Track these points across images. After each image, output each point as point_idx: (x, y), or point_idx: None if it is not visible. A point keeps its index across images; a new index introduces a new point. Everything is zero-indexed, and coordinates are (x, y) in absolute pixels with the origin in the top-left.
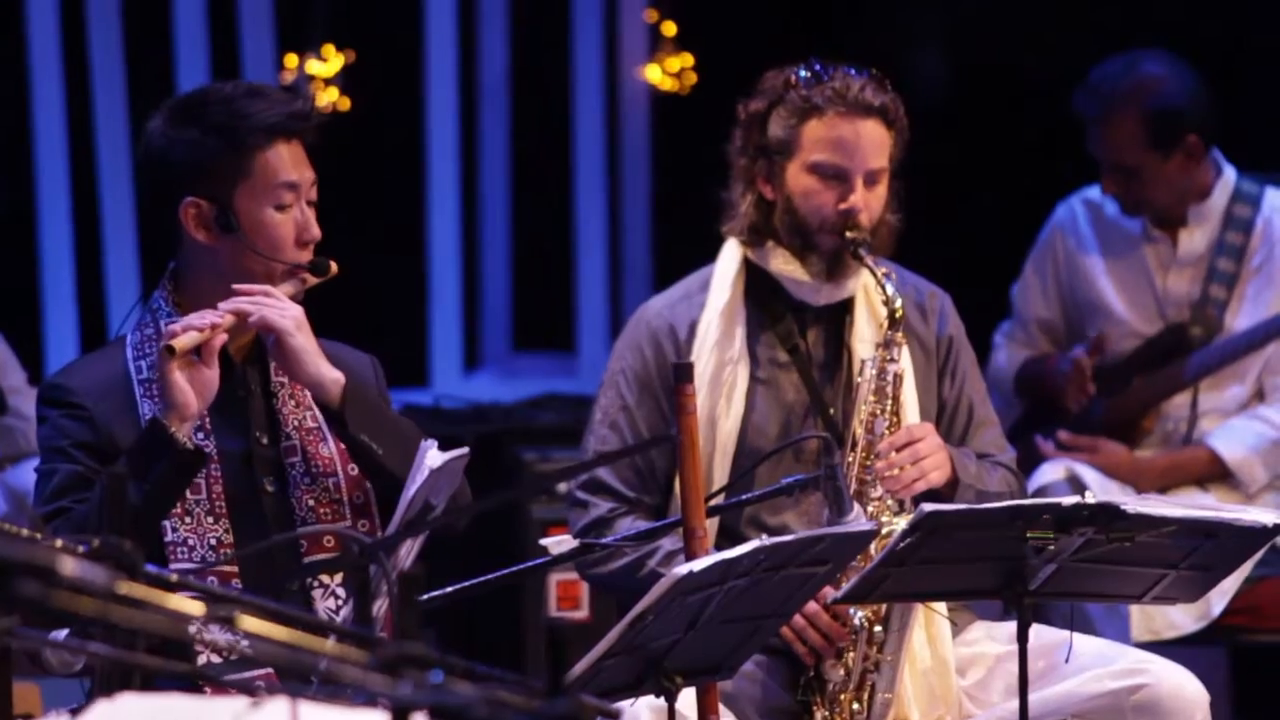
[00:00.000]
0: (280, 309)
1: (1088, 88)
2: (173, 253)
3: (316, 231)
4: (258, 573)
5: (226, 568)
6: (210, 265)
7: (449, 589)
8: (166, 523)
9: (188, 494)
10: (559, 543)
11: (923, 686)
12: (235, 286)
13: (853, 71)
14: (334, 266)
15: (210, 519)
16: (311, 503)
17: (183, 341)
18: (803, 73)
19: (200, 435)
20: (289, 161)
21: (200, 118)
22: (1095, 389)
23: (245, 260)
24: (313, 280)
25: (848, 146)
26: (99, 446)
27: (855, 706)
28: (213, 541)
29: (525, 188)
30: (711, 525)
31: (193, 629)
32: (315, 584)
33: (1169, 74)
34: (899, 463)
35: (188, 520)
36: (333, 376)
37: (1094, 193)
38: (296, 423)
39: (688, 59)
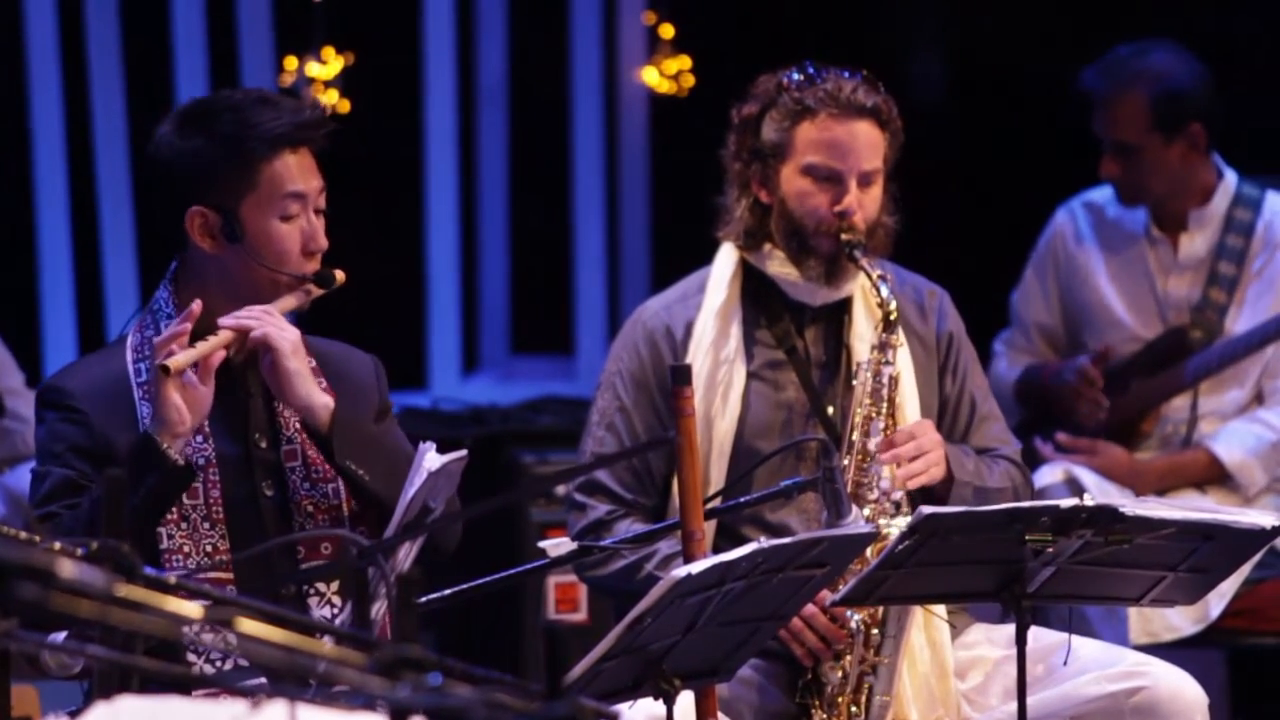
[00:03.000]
0: (280, 329)
1: (1097, 67)
2: (171, 253)
3: (323, 241)
4: (254, 579)
5: (221, 574)
6: (215, 272)
7: (447, 591)
8: (161, 529)
9: (185, 499)
10: (557, 545)
11: (922, 689)
12: (240, 312)
13: (845, 73)
14: (340, 277)
15: (206, 525)
16: (310, 508)
17: (178, 361)
18: (795, 75)
19: (199, 439)
20: (296, 171)
21: (208, 126)
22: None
23: (250, 270)
24: (317, 292)
25: (841, 148)
26: (94, 451)
27: (853, 709)
28: (208, 549)
29: (524, 190)
30: (710, 524)
31: (189, 632)
32: (311, 591)
33: (1179, 61)
34: (903, 455)
35: (183, 526)
36: (322, 401)
37: (1095, 195)
38: (297, 426)
39: (685, 61)
